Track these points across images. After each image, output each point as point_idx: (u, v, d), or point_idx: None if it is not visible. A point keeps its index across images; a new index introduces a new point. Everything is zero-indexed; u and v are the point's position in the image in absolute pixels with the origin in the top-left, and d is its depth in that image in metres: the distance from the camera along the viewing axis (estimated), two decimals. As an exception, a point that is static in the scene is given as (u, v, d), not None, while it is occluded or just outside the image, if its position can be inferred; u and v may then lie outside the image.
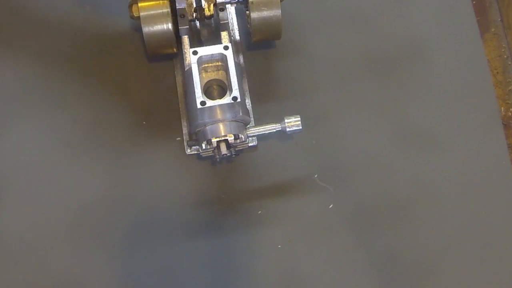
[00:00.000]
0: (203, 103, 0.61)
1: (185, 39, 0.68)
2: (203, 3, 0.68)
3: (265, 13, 0.67)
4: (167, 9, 0.66)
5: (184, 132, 0.69)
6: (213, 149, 0.64)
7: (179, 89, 0.71)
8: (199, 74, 0.63)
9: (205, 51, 0.63)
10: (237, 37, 0.73)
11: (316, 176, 0.69)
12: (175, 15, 0.68)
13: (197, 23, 0.71)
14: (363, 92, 0.72)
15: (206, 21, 0.70)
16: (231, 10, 0.73)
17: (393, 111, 0.71)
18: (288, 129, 0.64)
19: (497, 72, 0.74)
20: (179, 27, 0.67)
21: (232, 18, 0.73)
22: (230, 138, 0.62)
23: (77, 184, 0.68)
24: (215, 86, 0.65)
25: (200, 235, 0.66)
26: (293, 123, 0.64)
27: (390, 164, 0.69)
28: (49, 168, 0.68)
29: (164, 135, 0.70)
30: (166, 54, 0.69)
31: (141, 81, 0.71)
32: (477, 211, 0.68)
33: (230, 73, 0.62)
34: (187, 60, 0.66)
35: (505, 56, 0.75)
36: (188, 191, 0.68)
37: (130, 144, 0.69)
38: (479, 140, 0.70)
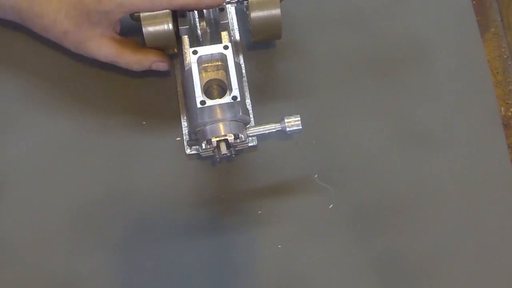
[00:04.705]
0: (203, 102, 0.61)
1: (185, 39, 0.68)
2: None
3: (265, 13, 0.67)
4: (167, 9, 0.66)
5: (184, 132, 0.69)
6: (213, 149, 0.64)
7: (179, 89, 0.71)
8: (199, 73, 0.63)
9: (205, 50, 0.63)
10: (237, 37, 0.73)
11: (316, 176, 0.69)
12: (175, 15, 0.68)
13: (197, 23, 0.71)
14: (363, 92, 0.72)
15: (206, 21, 0.70)
16: (231, 10, 0.73)
17: (393, 111, 0.71)
18: (288, 129, 0.64)
19: (497, 72, 0.74)
20: (179, 27, 0.67)
21: (232, 18, 0.73)
22: (230, 138, 0.62)
23: (77, 184, 0.67)
24: (215, 86, 0.65)
25: (200, 235, 0.66)
26: (293, 123, 0.64)
27: (390, 164, 0.69)
28: (49, 168, 0.68)
29: (164, 135, 0.69)
30: (166, 54, 0.69)
31: (141, 81, 0.70)
32: (477, 211, 0.68)
33: (230, 72, 0.62)
34: (187, 60, 0.66)
35: (505, 56, 0.75)
36: (188, 191, 0.68)
37: (130, 144, 0.69)
38: (479, 140, 0.70)
